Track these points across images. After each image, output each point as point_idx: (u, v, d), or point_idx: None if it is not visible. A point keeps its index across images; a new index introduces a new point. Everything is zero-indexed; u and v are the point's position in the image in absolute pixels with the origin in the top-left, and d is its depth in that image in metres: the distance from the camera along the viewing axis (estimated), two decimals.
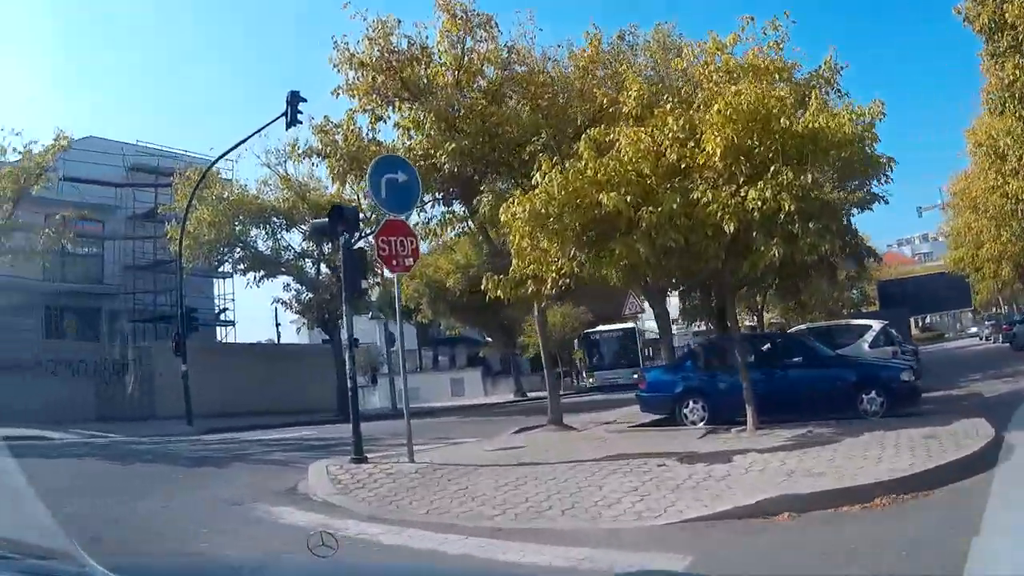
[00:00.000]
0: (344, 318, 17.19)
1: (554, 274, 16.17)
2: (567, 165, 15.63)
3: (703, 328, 44.05)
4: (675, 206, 14.35)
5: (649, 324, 49.56)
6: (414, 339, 65.86)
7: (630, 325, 51.65)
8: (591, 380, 55.60)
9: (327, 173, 23.14)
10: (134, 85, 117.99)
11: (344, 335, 22.26)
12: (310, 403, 38.70)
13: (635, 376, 44.89)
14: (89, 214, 35.27)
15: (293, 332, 64.09)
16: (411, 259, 15.92)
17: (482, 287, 18.05)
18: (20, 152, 29.21)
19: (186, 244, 34.37)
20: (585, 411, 26.04)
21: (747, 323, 40.79)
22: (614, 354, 55.99)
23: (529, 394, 52.23)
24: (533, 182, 16.03)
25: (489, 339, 62.23)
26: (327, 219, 16.21)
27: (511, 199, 16.31)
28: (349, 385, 16.06)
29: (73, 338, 42.33)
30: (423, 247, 29.87)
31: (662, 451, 14.07)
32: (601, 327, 56.12)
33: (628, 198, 14.60)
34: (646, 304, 32.97)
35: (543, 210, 15.19)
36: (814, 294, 43.20)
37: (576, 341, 60.03)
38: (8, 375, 28.95)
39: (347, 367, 16.21)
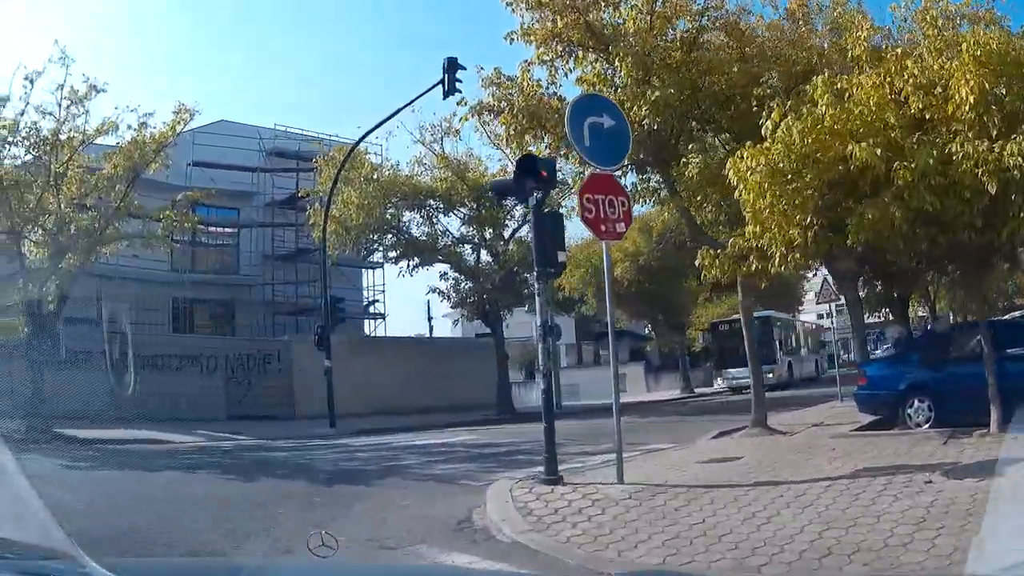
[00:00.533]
0: (536, 298, 13.61)
1: (782, 248, 13.85)
2: (804, 111, 13.19)
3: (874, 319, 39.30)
4: (931, 161, 12.32)
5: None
6: (572, 332, 62.37)
7: (767, 313, 45.87)
8: (719, 380, 49.95)
9: (503, 133, 19.26)
10: (271, 64, 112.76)
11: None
12: (466, 400, 36.00)
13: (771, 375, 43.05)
14: (215, 196, 31.41)
15: (447, 326, 61.15)
16: (623, 224, 12.82)
17: (697, 263, 16.24)
18: (135, 128, 25.49)
19: (331, 230, 31.43)
20: (773, 409, 21.72)
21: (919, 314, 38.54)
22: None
23: (696, 390, 49.68)
24: (764, 132, 13.49)
25: (654, 333, 58.18)
26: (516, 173, 12.76)
27: (739, 152, 13.77)
28: (543, 385, 12.89)
29: (205, 332, 40.14)
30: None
31: (915, 463, 11.66)
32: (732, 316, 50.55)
33: (878, 151, 12.49)
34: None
35: (780, 164, 13.08)
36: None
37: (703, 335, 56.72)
38: (133, 372, 25.54)
39: (540, 361, 13.48)
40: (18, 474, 4.33)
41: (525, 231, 34.60)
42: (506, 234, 36.30)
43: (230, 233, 43.10)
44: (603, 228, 12.26)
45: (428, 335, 57.21)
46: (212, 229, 41.07)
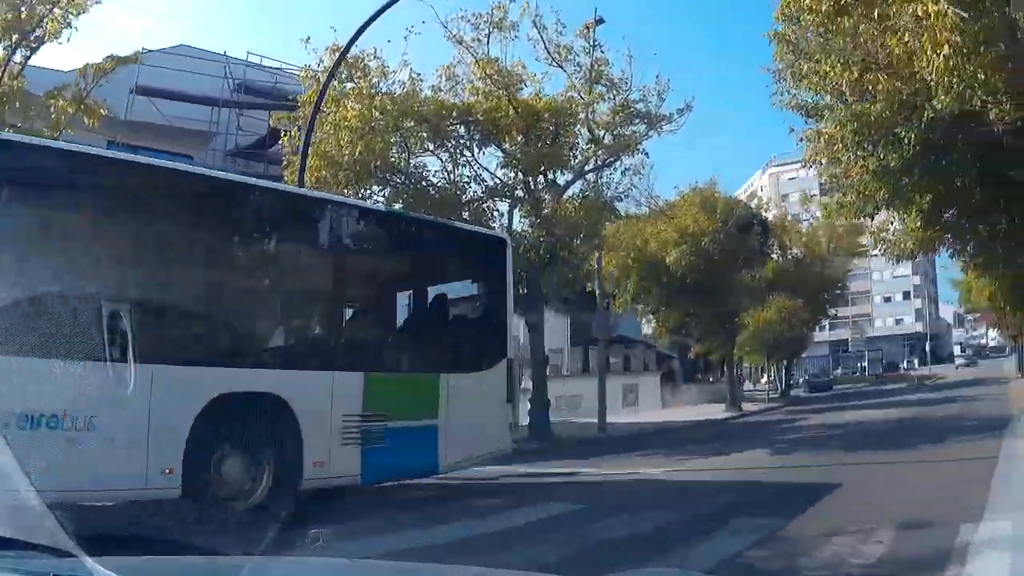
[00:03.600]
0: None
1: None
2: None
3: None
4: None
5: None
6: (566, 335, 54.36)
7: None
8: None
9: None
10: None
11: None
12: None
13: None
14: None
15: None
16: None
17: None
18: None
19: (312, 168, 20.90)
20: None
21: None
22: None
23: (744, 407, 42.07)
24: None
25: (697, 339, 49.17)
26: None
27: None
28: None
29: None
30: None
31: None
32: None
33: None
34: None
35: None
36: None
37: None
38: None
39: None
40: None
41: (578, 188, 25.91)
42: (561, 181, 26.01)
43: None
44: None
45: None
46: None
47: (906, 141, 16.72)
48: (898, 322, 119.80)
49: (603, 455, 20.68)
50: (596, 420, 29.15)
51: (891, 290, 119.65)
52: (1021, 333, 43.89)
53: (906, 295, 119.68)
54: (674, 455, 20.22)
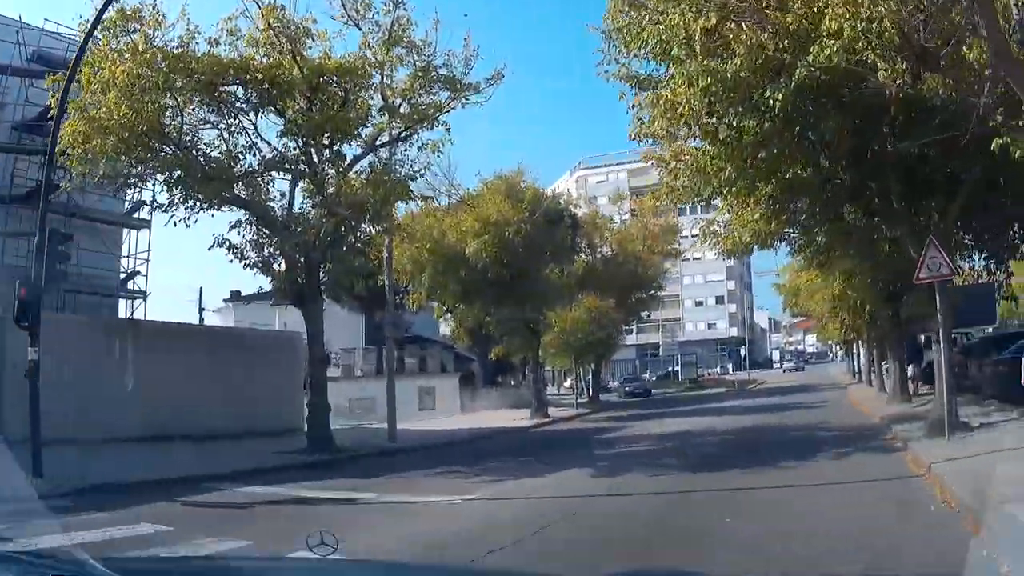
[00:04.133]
0: None
1: None
2: None
3: None
4: None
5: None
6: (360, 333, 53.89)
7: None
8: None
9: None
10: None
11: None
12: (258, 422, 25.92)
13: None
14: None
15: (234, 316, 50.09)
16: None
17: None
18: None
19: (74, 133, 19.03)
20: None
21: None
22: None
23: (550, 413, 39.89)
24: None
25: (500, 339, 45.99)
26: None
27: None
28: None
29: None
30: None
31: None
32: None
33: None
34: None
35: None
36: None
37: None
38: None
39: None
40: None
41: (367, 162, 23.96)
42: (349, 155, 24.03)
43: None
44: None
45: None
46: None
47: (771, 102, 14.03)
48: (710, 326, 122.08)
49: (394, 472, 18.88)
50: (399, 424, 27.69)
51: (703, 294, 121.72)
52: (865, 336, 43.25)
53: (719, 299, 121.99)
54: (476, 473, 17.75)
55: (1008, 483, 9.82)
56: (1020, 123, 12.02)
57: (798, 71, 13.47)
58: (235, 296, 59.98)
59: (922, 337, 35.39)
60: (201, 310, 48.20)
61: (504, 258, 34.29)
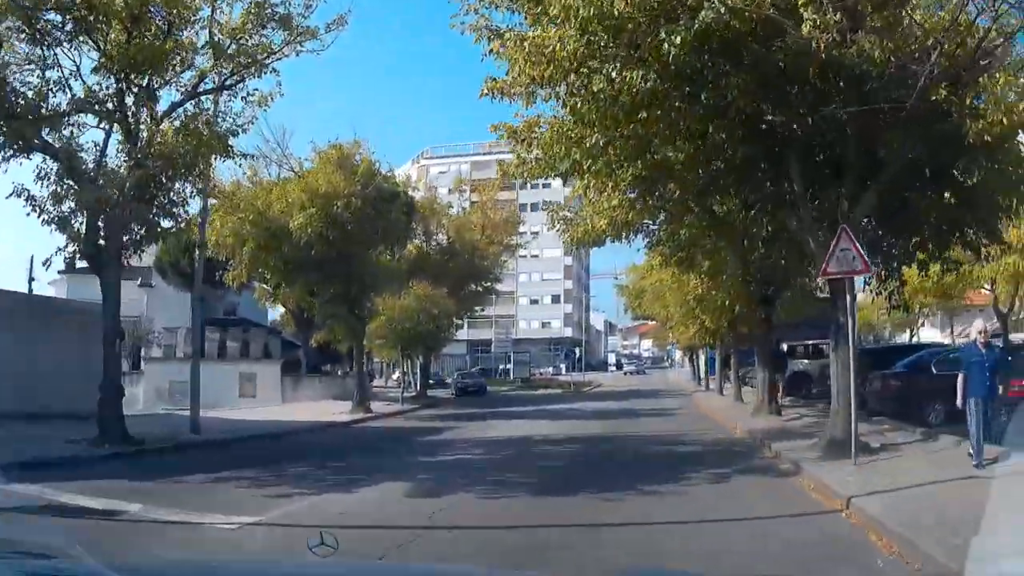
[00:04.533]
0: None
1: None
2: None
3: None
4: None
5: None
6: (186, 313, 49.25)
7: None
8: None
9: None
10: None
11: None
12: (60, 402, 23.28)
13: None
14: None
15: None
16: None
17: None
18: None
19: None
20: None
21: None
22: None
23: (373, 408, 36.85)
24: None
25: (322, 323, 43.44)
26: None
27: None
28: None
29: None
30: None
31: None
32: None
33: None
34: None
35: None
36: None
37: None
38: None
39: None
40: None
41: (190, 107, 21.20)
42: (164, 102, 21.21)
43: None
44: None
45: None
46: None
47: (664, 48, 11.77)
48: (545, 325, 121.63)
49: (181, 473, 16.09)
50: (214, 412, 25.25)
51: (539, 292, 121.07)
52: (720, 342, 41.50)
53: (556, 298, 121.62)
54: (272, 482, 14.96)
55: (977, 528, 7.47)
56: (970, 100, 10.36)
57: (703, 13, 11.36)
58: (70, 267, 55.28)
59: (784, 345, 34.36)
60: (31, 280, 43.34)
61: (330, 235, 31.43)
